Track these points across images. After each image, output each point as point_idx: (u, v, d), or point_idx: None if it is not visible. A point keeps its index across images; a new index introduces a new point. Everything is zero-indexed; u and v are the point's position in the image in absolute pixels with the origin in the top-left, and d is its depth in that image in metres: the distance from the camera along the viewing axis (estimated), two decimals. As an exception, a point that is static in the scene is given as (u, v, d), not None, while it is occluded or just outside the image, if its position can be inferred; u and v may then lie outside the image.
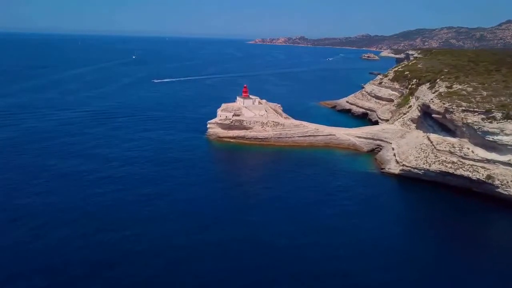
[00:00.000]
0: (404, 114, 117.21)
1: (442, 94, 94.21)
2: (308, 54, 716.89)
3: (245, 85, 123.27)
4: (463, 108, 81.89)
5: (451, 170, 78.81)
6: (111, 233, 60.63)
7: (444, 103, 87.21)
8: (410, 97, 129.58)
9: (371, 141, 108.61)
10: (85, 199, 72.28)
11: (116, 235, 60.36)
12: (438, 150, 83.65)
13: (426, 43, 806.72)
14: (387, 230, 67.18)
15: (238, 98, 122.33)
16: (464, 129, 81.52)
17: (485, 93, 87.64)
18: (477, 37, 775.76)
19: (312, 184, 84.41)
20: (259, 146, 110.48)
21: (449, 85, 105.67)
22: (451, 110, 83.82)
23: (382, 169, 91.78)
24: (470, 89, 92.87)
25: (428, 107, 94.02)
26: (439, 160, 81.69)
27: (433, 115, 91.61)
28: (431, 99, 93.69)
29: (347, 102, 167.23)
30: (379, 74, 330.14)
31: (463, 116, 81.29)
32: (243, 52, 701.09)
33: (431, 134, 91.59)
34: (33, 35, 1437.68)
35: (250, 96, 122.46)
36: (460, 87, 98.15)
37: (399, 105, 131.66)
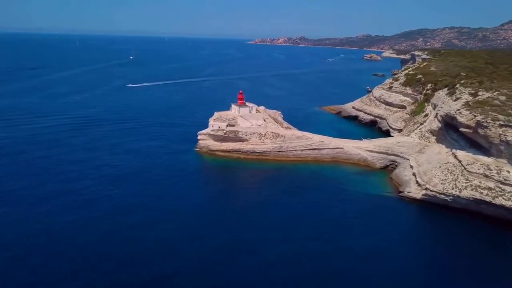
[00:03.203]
0: (421, 124, 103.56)
1: (470, 103, 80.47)
2: (308, 54, 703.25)
3: (240, 91, 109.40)
4: (501, 123, 68.20)
5: (488, 199, 65.06)
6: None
7: (475, 115, 73.51)
8: (426, 104, 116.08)
9: (384, 156, 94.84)
10: (48, 223, 60.28)
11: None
12: (470, 172, 69.80)
13: (428, 43, 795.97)
14: (411, 270, 54.60)
15: (233, 105, 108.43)
16: (503, 147, 67.87)
17: (523, 104, 74.05)
18: (479, 37, 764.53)
19: (317, 211, 71.32)
20: (256, 161, 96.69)
21: (473, 91, 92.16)
22: (485, 124, 70.12)
23: (401, 192, 77.97)
24: (503, 97, 79.20)
25: (454, 119, 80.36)
26: (471, 185, 67.88)
27: (460, 129, 77.85)
28: (458, 109, 79.89)
29: (353, 107, 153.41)
30: (383, 75, 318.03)
31: (501, 132, 67.66)
32: (243, 53, 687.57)
33: (458, 151, 77.79)
34: (31, 35, 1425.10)
35: (247, 103, 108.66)
36: (489, 94, 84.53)
37: (413, 113, 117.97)
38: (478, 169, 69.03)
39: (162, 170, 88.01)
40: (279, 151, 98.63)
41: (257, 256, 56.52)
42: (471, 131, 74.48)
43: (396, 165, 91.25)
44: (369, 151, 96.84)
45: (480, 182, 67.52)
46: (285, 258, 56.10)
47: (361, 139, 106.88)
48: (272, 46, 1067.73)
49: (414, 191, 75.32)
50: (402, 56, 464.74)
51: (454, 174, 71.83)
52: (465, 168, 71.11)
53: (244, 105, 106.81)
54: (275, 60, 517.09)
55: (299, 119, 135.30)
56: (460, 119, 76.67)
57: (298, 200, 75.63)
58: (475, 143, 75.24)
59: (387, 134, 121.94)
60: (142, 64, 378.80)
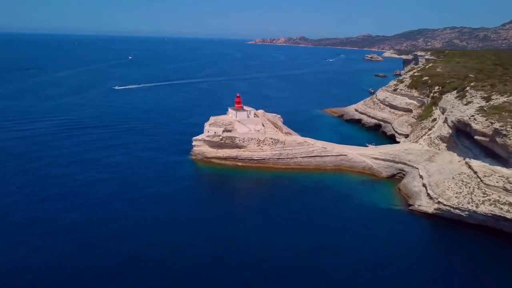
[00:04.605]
0: (429, 129, 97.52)
1: (485, 108, 74.53)
2: (309, 55, 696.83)
3: (238, 94, 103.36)
4: (523, 131, 62.29)
5: (508, 215, 59.06)
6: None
7: (492, 122, 67.56)
8: (433, 108, 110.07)
9: (391, 164, 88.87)
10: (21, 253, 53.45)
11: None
12: (487, 185, 63.85)
13: (429, 44, 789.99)
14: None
15: (229, 109, 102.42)
16: (524, 158, 62.00)
17: (544, 109, 68.14)
18: (480, 37, 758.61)
19: (319, 223, 66.08)
20: (254, 169, 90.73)
21: (486, 95, 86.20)
22: (504, 132, 64.14)
23: (410, 205, 71.97)
24: (521, 102, 73.32)
25: (468, 125, 74.39)
26: (489, 200, 61.92)
27: (475, 137, 71.85)
28: (472, 115, 73.91)
29: (356, 110, 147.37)
30: (385, 76, 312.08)
31: (522, 142, 61.72)
32: (242, 53, 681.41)
33: (472, 160, 71.82)
34: (31, 35, 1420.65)
35: (244, 107, 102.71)
36: (504, 99, 78.58)
37: (420, 117, 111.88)
38: (497, 182, 63.07)
39: (153, 178, 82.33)
40: (278, 159, 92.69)
41: (256, 267, 52.59)
42: (488, 140, 68.52)
43: (404, 174, 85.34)
44: (374, 158, 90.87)
45: (499, 197, 61.53)
46: (284, 269, 52.21)
47: (365, 145, 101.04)
48: (272, 46, 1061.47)
49: (425, 205, 69.29)
50: (404, 57, 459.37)
51: (470, 187, 65.83)
52: (481, 180, 65.17)
53: (241, 109, 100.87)
54: (275, 61, 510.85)
55: (300, 123, 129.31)
56: (475, 126, 70.67)
57: (298, 211, 70.13)
58: (491, 152, 69.26)
59: (392, 139, 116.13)
60: (141, 64, 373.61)
